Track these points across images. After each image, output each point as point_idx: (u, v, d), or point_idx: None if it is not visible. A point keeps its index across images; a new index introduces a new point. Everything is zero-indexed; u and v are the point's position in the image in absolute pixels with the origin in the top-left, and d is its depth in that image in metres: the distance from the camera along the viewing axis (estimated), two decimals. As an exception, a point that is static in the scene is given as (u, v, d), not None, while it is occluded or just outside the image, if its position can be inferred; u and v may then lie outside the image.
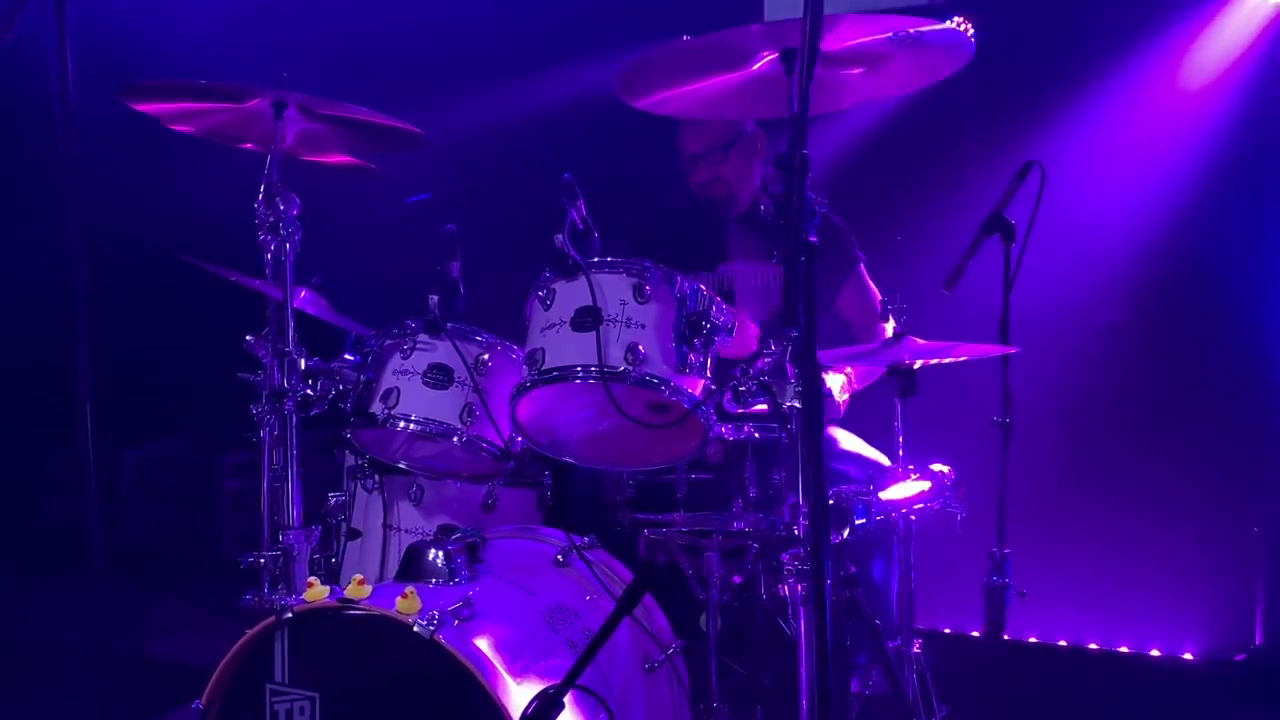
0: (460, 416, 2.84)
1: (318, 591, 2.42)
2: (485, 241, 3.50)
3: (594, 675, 2.54)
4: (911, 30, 2.37)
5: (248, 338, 3.24)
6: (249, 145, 3.58)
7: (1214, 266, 4.20)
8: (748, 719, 2.90)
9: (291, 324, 2.98)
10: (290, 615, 2.41)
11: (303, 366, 2.97)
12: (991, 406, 3.16)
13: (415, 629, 2.27)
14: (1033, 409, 3.34)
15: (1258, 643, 4.26)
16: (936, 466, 2.94)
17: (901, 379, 2.91)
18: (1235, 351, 4.22)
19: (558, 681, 2.40)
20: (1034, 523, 3.49)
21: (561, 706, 2.15)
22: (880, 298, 3.42)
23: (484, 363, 2.87)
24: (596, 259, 2.66)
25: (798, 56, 1.99)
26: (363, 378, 2.92)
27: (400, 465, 3.05)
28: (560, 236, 2.63)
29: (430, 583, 2.58)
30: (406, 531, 3.16)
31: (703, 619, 2.91)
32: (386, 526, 3.18)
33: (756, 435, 2.88)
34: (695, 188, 3.78)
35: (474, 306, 3.09)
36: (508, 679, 2.30)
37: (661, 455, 2.79)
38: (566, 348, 2.61)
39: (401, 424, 2.85)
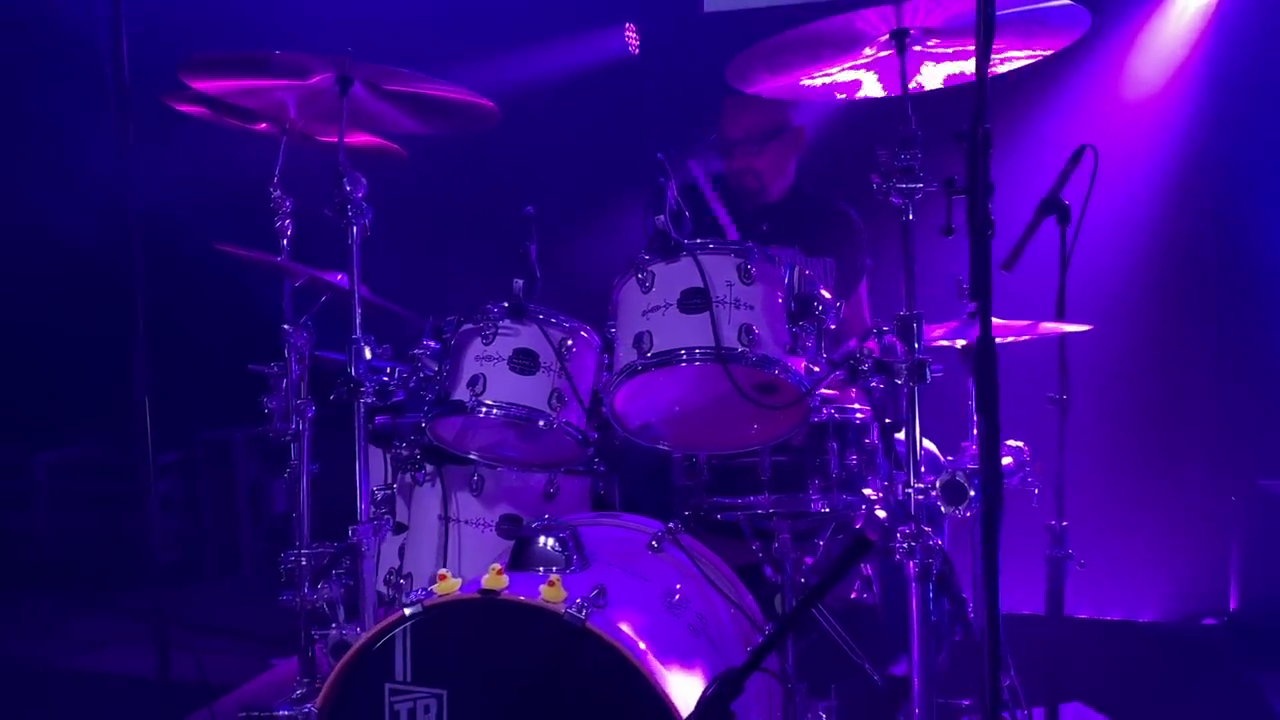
0: (549, 402, 2.77)
1: (449, 584, 2.32)
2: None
3: (715, 656, 2.53)
4: (1033, 6, 2.41)
5: (285, 327, 3.11)
6: (262, 126, 3.42)
7: (1209, 251, 4.40)
8: (823, 695, 2.91)
9: (358, 311, 2.88)
10: (421, 609, 2.30)
11: (369, 355, 2.87)
12: (1021, 384, 3.23)
13: (565, 617, 2.21)
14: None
15: (1232, 607, 4.48)
16: (1013, 442, 2.99)
17: (976, 357, 2.93)
18: (1234, 330, 4.43)
19: (693, 666, 2.38)
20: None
21: (741, 690, 2.12)
22: (870, 320, 3.49)
23: (568, 347, 2.80)
24: (694, 240, 2.63)
25: (975, 28, 1.99)
26: (445, 366, 2.82)
27: (470, 455, 2.95)
28: (661, 218, 2.59)
29: (539, 571, 2.51)
30: (466, 523, 3.07)
31: (778, 599, 2.92)
32: (444, 518, 3.08)
33: (836, 415, 2.89)
34: (728, 172, 3.77)
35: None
36: (657, 664, 2.26)
37: (753, 437, 2.78)
38: (676, 330, 2.57)
39: (486, 410, 2.77)
